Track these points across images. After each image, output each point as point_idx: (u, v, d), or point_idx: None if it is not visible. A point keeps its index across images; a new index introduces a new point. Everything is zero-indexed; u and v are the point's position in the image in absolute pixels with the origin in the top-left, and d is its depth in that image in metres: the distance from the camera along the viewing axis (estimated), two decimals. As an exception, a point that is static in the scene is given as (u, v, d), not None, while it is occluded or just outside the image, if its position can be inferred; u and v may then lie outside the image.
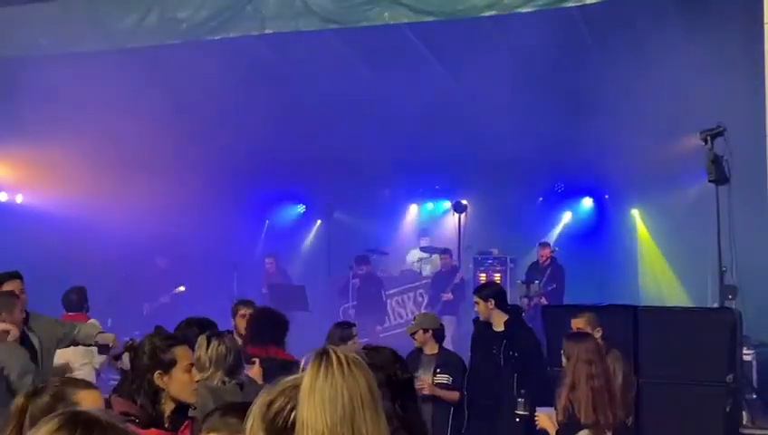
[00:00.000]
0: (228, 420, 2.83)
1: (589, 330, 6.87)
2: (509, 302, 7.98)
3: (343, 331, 7.02)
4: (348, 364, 1.95)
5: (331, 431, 1.90)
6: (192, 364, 3.96)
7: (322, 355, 1.97)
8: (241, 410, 2.53)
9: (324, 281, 15.33)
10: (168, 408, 3.83)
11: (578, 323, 7.07)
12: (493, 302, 7.54)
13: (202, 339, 4.90)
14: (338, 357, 1.96)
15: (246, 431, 2.01)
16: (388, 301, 14.66)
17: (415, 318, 8.24)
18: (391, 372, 3.03)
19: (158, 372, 3.84)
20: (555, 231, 15.49)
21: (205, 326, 5.37)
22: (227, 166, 14.98)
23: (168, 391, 3.84)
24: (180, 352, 3.92)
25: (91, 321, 7.62)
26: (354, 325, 7.43)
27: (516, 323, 7.68)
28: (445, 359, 7.63)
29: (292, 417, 1.96)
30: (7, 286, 6.34)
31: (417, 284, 14.82)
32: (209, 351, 4.85)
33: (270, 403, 1.99)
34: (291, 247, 15.84)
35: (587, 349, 5.98)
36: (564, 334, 6.50)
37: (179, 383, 3.85)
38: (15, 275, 6.51)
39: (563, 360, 6.20)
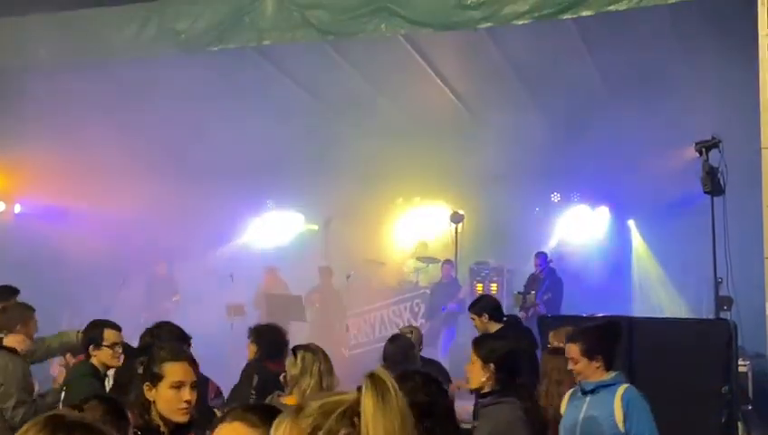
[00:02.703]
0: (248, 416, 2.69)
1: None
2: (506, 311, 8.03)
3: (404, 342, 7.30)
4: (396, 387, 1.96)
5: None
6: (182, 382, 3.80)
7: (376, 381, 1.96)
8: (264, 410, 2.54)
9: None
10: (159, 422, 3.79)
11: (554, 340, 7.11)
12: (486, 316, 7.68)
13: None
14: (390, 380, 1.96)
15: None
16: (385, 311, 14.67)
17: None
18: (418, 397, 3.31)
19: (147, 384, 3.82)
20: (552, 241, 15.51)
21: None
22: (226, 174, 15.01)
23: (155, 405, 3.80)
24: (171, 367, 3.82)
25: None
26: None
27: (509, 331, 7.70)
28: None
29: None
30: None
31: (414, 293, 14.84)
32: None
33: (315, 429, 1.92)
34: (287, 257, 15.83)
35: (558, 367, 5.95)
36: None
37: (163, 400, 3.78)
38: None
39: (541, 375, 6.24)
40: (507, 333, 7.60)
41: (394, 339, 7.46)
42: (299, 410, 1.96)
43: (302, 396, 5.12)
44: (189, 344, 5.68)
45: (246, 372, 6.62)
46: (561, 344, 6.81)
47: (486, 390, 4.92)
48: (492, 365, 4.89)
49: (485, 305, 7.87)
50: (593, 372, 5.06)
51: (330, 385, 5.06)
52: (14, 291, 6.79)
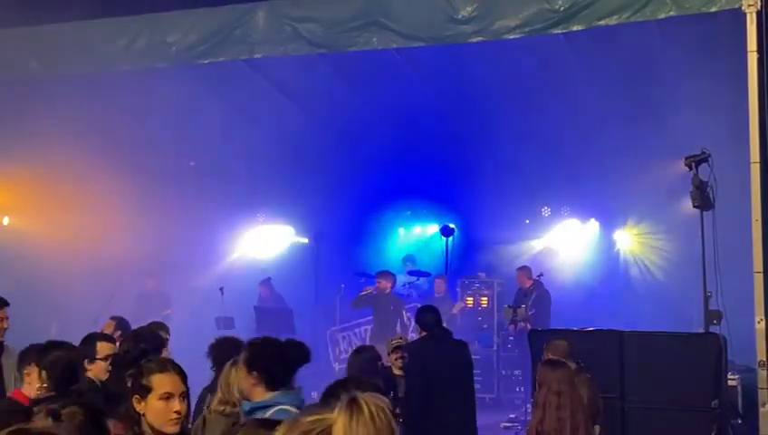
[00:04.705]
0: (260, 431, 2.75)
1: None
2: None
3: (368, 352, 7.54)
4: (376, 412, 1.97)
5: None
6: (171, 394, 3.79)
7: (353, 405, 1.98)
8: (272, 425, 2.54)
9: (311, 304, 15.31)
10: (150, 433, 3.78)
11: (548, 353, 7.13)
12: (418, 326, 8.28)
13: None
14: (367, 405, 1.97)
15: None
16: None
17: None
18: None
19: (137, 396, 3.81)
20: (542, 254, 15.53)
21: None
22: (217, 188, 15.00)
23: (145, 418, 3.79)
24: (159, 379, 3.82)
25: None
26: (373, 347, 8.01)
27: (418, 343, 8.26)
28: None
29: None
30: None
31: (406, 307, 14.79)
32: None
33: None
34: (278, 270, 15.79)
35: (558, 379, 6.02)
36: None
37: (153, 412, 3.78)
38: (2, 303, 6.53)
39: (537, 387, 6.26)
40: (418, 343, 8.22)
41: (359, 351, 7.71)
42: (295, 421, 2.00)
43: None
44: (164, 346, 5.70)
45: (203, 393, 6.23)
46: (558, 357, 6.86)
47: (43, 395, 4.74)
48: (44, 373, 4.90)
49: (416, 316, 8.49)
50: (252, 389, 4.58)
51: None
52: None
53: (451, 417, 7.92)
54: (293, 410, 4.30)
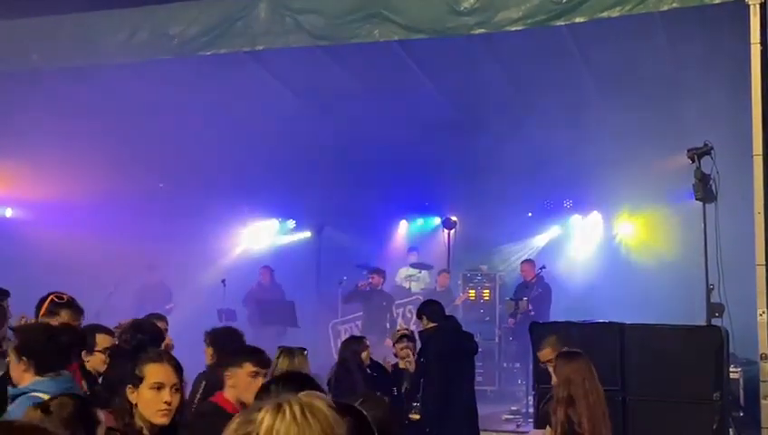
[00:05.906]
0: None
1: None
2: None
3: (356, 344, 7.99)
4: (301, 412, 1.84)
5: None
6: (162, 384, 3.82)
7: (276, 410, 1.86)
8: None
9: (313, 296, 15.32)
10: (142, 424, 3.80)
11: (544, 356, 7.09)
12: (424, 317, 8.51)
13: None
14: (291, 408, 1.85)
15: None
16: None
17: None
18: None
19: (130, 386, 3.84)
20: (544, 247, 15.52)
21: None
22: (219, 180, 14.98)
23: (137, 408, 3.82)
24: (151, 368, 3.85)
25: None
26: (364, 337, 8.40)
27: (430, 332, 8.46)
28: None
29: None
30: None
31: (407, 300, 14.81)
32: None
33: None
34: (280, 262, 15.80)
35: (579, 368, 6.02)
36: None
37: (143, 401, 3.81)
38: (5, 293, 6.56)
39: (554, 377, 6.24)
40: (423, 338, 8.53)
41: (346, 342, 8.37)
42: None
43: None
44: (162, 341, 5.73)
45: (197, 378, 6.35)
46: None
47: None
48: None
49: (421, 309, 8.76)
50: (21, 375, 4.41)
51: None
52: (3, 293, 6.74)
53: (463, 402, 8.32)
54: (46, 397, 3.95)
